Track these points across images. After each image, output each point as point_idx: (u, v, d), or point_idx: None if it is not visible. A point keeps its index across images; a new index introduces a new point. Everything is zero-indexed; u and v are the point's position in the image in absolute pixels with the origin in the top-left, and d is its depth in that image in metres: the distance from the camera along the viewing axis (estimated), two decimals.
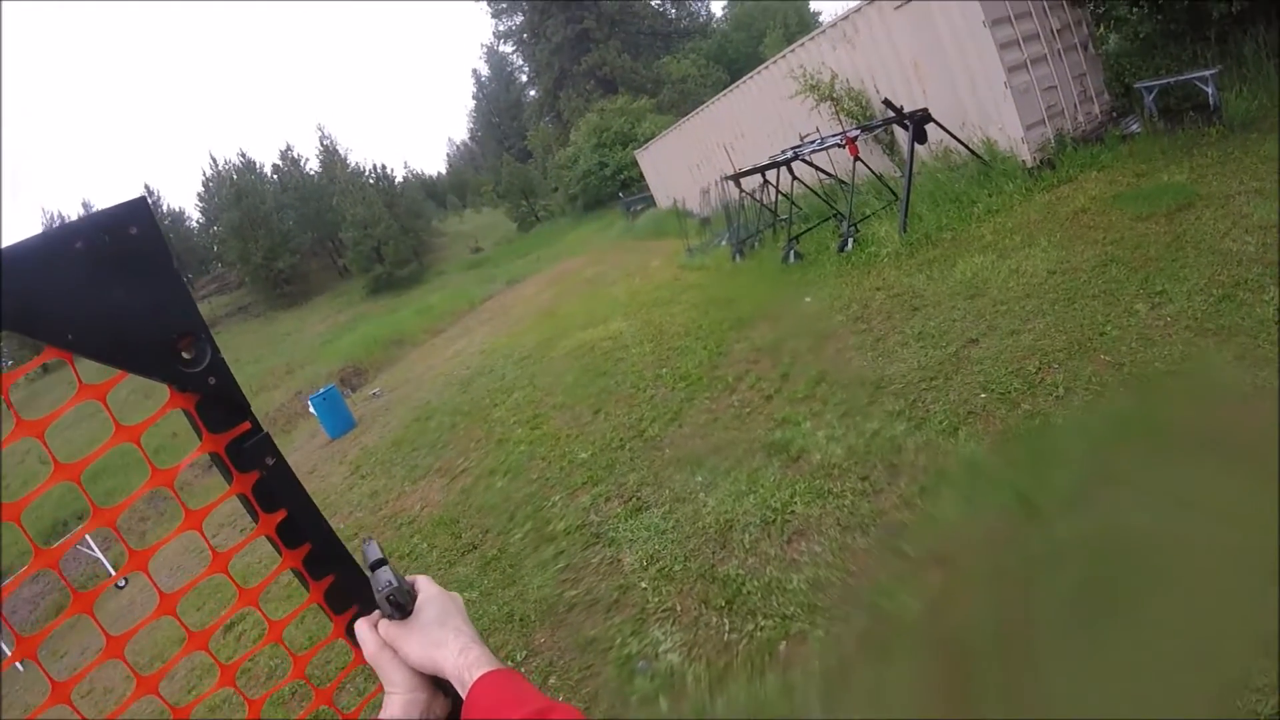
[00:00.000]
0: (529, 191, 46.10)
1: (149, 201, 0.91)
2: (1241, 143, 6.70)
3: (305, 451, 12.90)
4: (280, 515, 0.94)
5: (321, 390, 13.66)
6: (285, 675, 1.01)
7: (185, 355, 0.89)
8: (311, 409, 13.04)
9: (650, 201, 24.92)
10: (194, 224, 50.77)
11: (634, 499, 5.11)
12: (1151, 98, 8.11)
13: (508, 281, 27.18)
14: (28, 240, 0.81)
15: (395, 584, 0.86)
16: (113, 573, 8.46)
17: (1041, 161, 8.39)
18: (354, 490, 8.50)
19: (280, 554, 0.95)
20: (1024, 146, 8.52)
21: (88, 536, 10.03)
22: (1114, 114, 9.19)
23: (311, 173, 47.33)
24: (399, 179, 49.09)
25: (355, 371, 18.60)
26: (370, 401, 14.92)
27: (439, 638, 0.82)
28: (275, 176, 47.01)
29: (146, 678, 0.84)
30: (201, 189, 45.44)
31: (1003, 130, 8.70)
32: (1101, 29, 9.90)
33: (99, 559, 8.79)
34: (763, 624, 3.44)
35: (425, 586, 0.90)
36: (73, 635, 7.91)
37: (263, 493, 0.93)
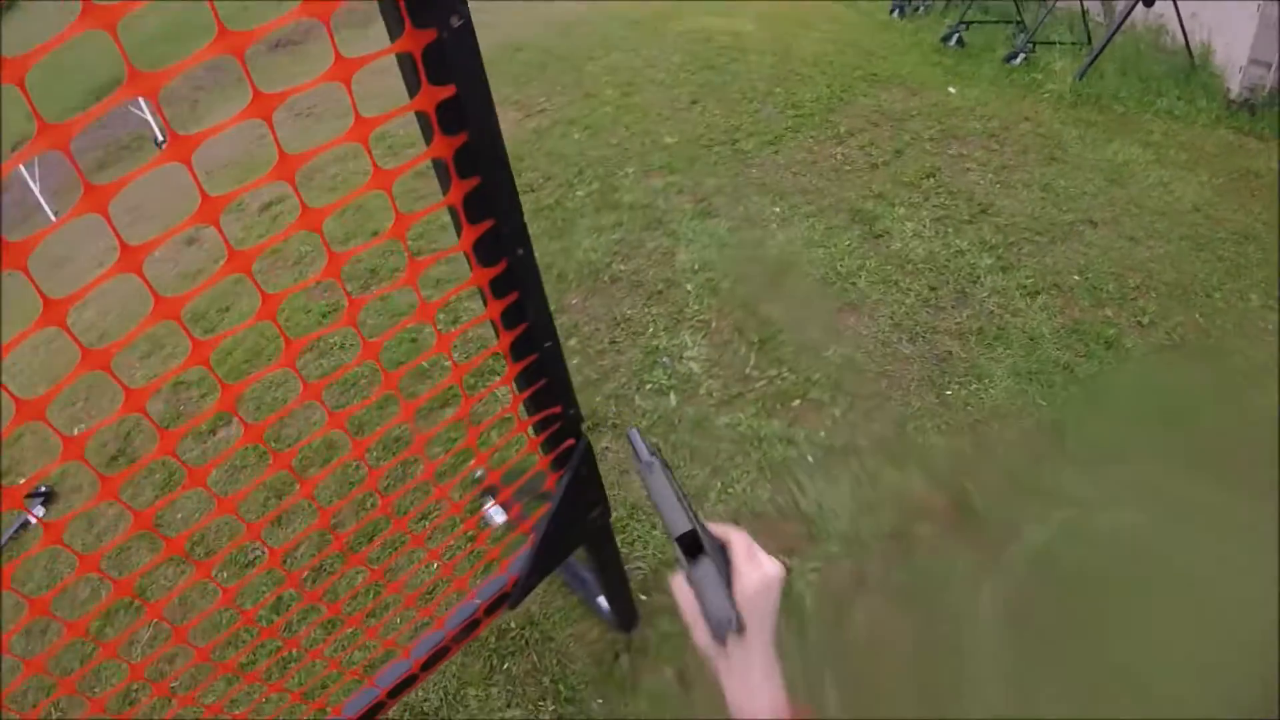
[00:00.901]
0: None
1: None
2: None
3: (372, 39, 12.35)
4: (447, 92, 0.78)
5: None
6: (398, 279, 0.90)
7: None
8: None
9: None
10: None
11: (706, 202, 4.94)
12: None
13: None
14: None
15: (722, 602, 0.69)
16: (160, 136, 8.05)
17: (1245, 101, 7.24)
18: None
19: (430, 139, 0.81)
20: (1238, 75, 7.28)
21: (142, 100, 9.29)
22: None
23: None
24: None
25: None
26: None
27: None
28: None
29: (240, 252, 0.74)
30: None
31: (1227, 47, 7.38)
32: None
33: (147, 120, 8.24)
34: (786, 375, 3.48)
35: (746, 569, 0.73)
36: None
37: (434, 59, 0.76)
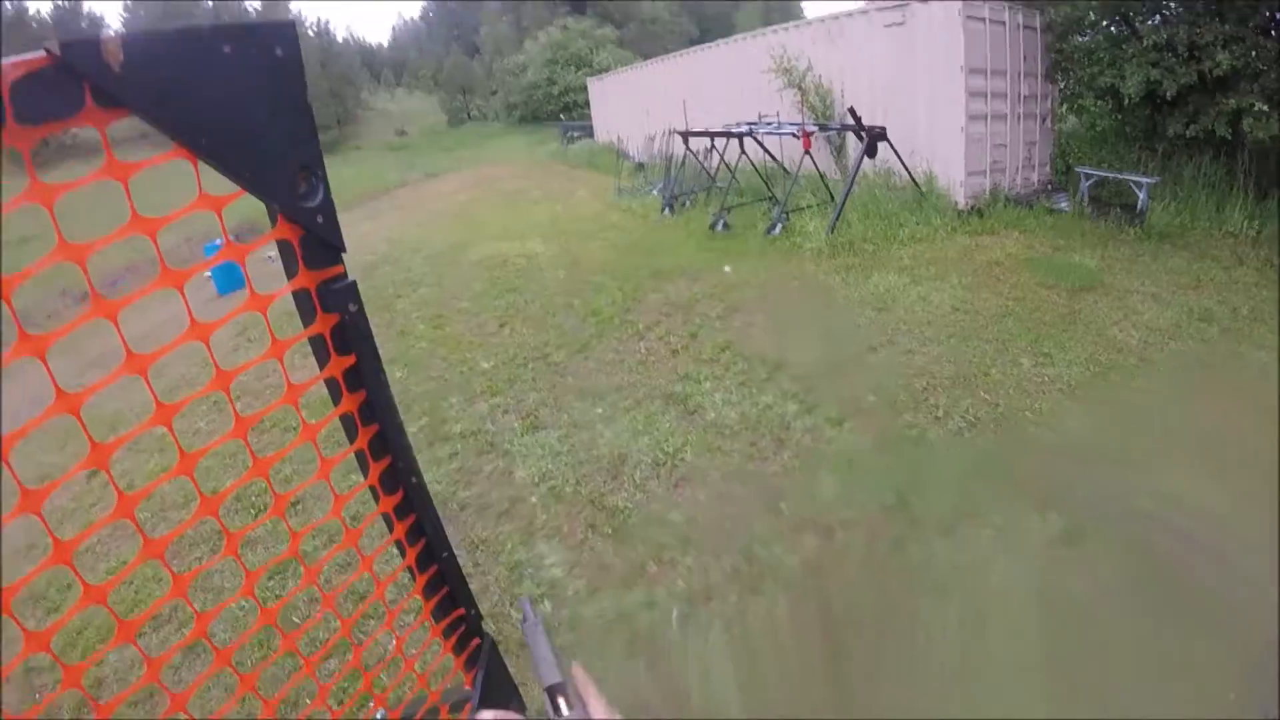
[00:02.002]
0: (468, 88, 44.49)
1: (295, 28, 0.92)
2: (1153, 250, 7.42)
3: (192, 304, 12.10)
4: (349, 360, 0.99)
5: (217, 241, 12.88)
6: (324, 514, 1.05)
7: (301, 188, 0.91)
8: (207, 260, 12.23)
9: (589, 132, 24.53)
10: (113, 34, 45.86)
11: (532, 416, 5.20)
12: (1088, 184, 8.81)
13: (427, 173, 26.27)
14: (179, 31, 0.79)
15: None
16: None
17: (972, 208, 8.95)
18: (238, 353, 8.00)
19: (340, 397, 1.00)
20: (960, 190, 9.06)
21: None
22: (1049, 187, 9.94)
23: (250, 9, 43.98)
24: (339, 39, 46.27)
25: (251, 229, 17.45)
26: (265, 264, 14.16)
27: None
28: (211, 3, 43.32)
29: (209, 498, 0.88)
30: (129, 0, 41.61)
31: (946, 169, 9.21)
32: (1064, 108, 10.56)
33: None
34: (639, 549, 3.70)
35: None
36: None
37: (339, 336, 0.97)
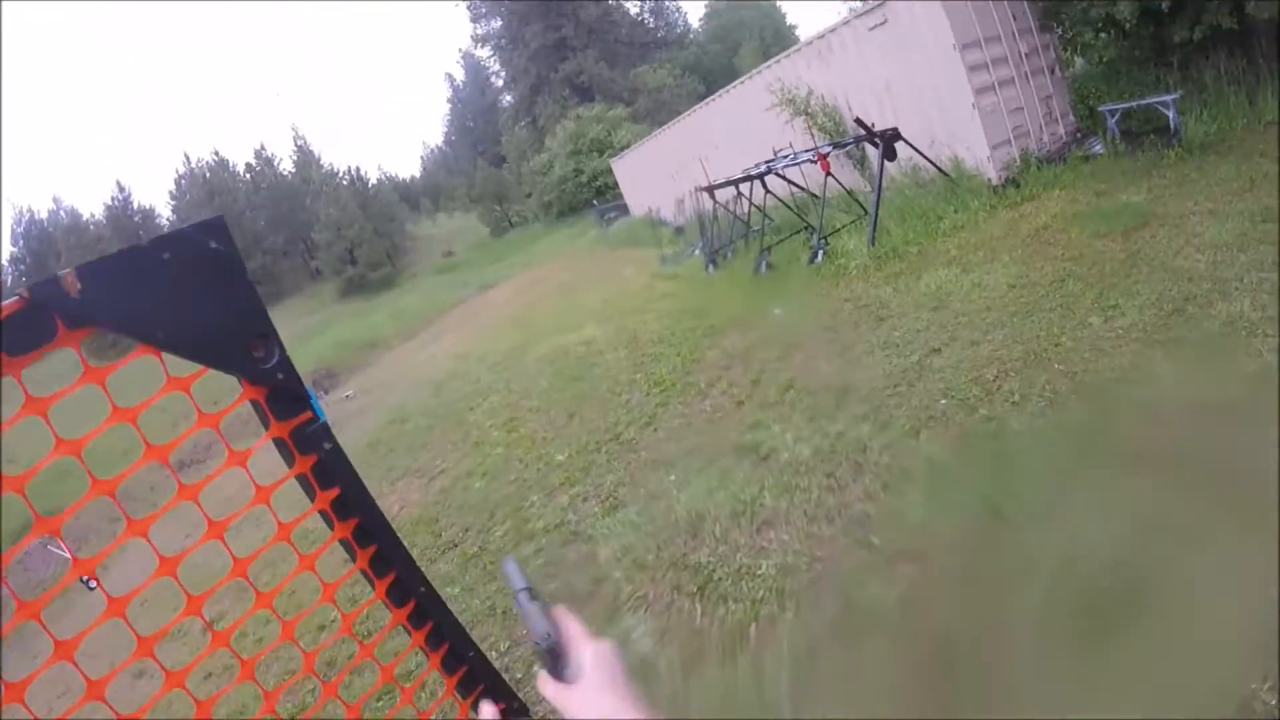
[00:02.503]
0: (502, 197, 46.24)
1: (224, 221, 1.06)
2: (1198, 165, 7.13)
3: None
4: (334, 493, 1.10)
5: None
6: (335, 631, 1.16)
7: (257, 354, 1.04)
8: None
9: (624, 210, 25.08)
10: (165, 222, 49.82)
11: (611, 498, 5.27)
12: (1114, 120, 8.55)
13: (480, 286, 27.26)
14: (123, 252, 0.94)
15: (549, 635, 0.93)
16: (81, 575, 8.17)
17: (1006, 180, 8.76)
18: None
19: (332, 526, 1.11)
20: (989, 165, 8.90)
21: (60, 540, 9.36)
22: (1078, 135, 9.64)
23: (285, 173, 47.23)
24: (373, 181, 48.95)
25: (327, 374, 18.62)
26: (343, 404, 14.94)
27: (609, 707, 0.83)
28: (249, 176, 46.81)
29: (220, 632, 0.99)
30: (173, 187, 45.36)
31: (970, 149, 9.07)
32: (1068, 53, 10.38)
33: (68, 559, 8.24)
34: (733, 608, 3.62)
35: (582, 641, 0.93)
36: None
37: (320, 473, 1.09)
